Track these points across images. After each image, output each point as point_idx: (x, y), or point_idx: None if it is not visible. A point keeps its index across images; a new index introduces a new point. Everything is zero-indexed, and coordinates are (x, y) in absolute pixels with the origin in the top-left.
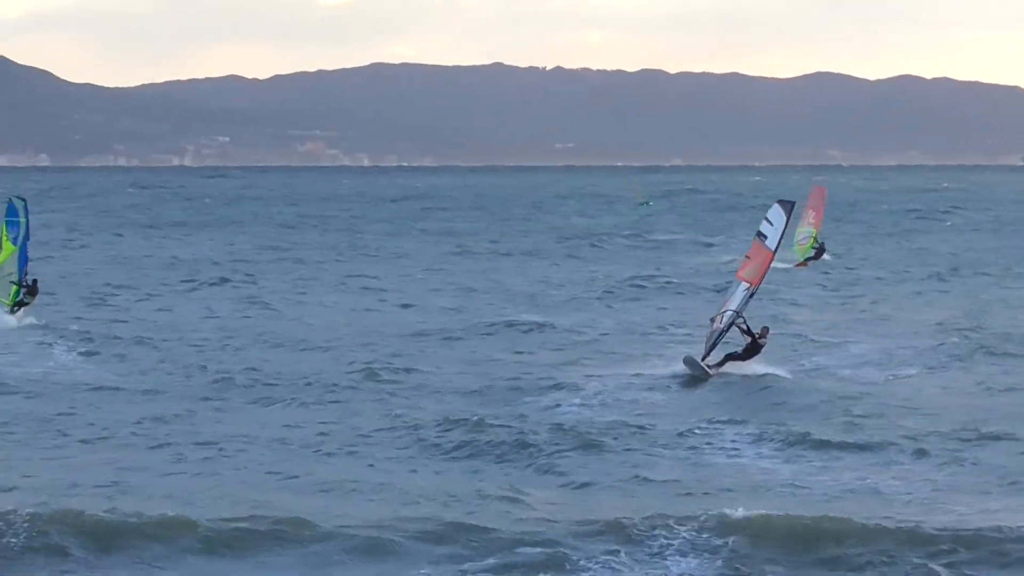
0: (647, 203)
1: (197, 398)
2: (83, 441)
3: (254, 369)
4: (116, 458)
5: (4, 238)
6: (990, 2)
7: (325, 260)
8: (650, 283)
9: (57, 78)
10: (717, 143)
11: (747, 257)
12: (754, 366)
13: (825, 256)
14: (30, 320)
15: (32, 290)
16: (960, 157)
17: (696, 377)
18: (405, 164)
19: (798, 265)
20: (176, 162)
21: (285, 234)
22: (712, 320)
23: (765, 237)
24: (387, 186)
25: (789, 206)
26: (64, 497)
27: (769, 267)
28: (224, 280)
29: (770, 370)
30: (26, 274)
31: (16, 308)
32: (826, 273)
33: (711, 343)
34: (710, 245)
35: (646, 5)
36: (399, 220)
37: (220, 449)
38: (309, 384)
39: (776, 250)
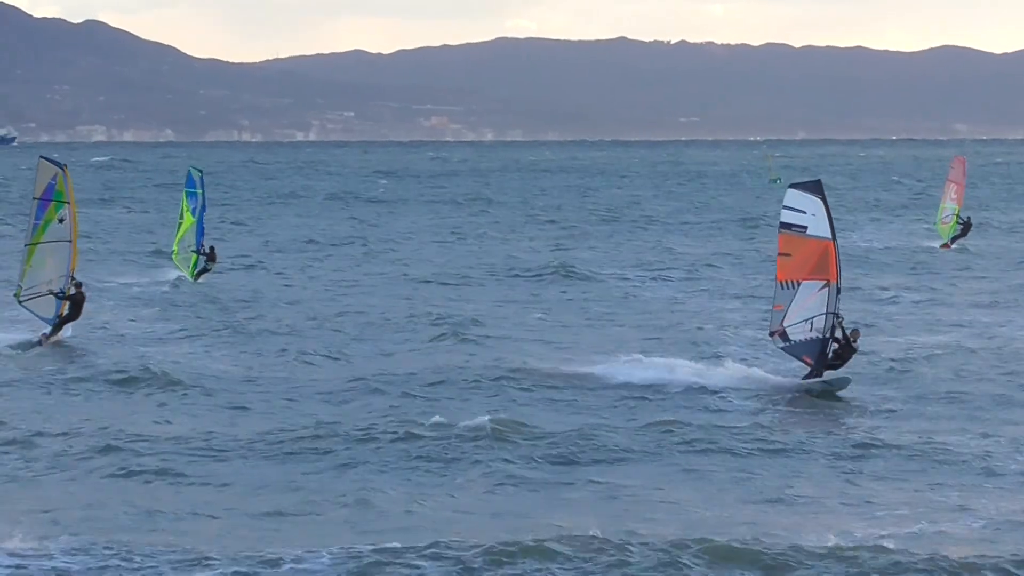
0: (778, 180)
1: None
2: None
3: None
4: None
5: (185, 209)
6: None
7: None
8: None
9: (182, 53)
10: (843, 116)
11: (783, 255)
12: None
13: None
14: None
15: (211, 256)
16: None
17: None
18: (529, 139)
19: (943, 246)
20: (300, 137)
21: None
22: (772, 334)
23: (802, 228)
24: (539, 160)
25: (815, 185)
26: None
27: (836, 255)
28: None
29: None
30: (202, 245)
31: (199, 276)
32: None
33: (818, 353)
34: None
35: None
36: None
37: None
38: None
39: (834, 235)
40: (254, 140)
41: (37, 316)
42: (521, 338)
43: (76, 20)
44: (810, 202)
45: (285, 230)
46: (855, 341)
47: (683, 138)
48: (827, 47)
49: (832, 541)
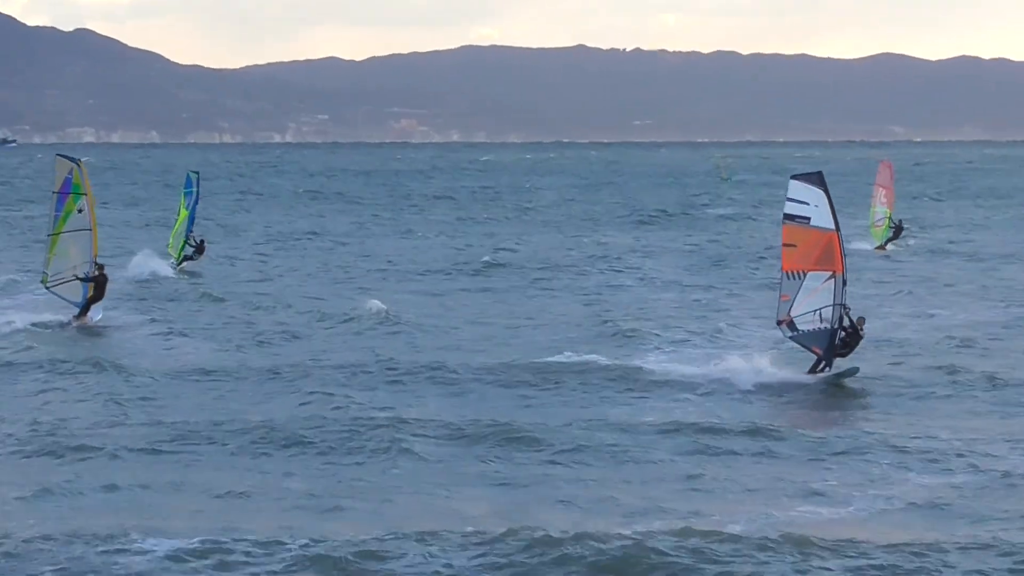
0: (729, 178)
1: None
2: None
3: None
4: None
5: (182, 205)
6: None
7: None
8: None
9: (166, 60)
10: (788, 120)
11: (788, 246)
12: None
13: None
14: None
15: (200, 248)
16: (1017, 134)
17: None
18: (492, 141)
19: (877, 248)
20: (278, 139)
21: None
22: (779, 323)
23: (807, 219)
24: (509, 160)
25: (816, 176)
26: None
27: (840, 246)
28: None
29: None
30: (192, 234)
31: (182, 262)
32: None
33: (827, 343)
34: None
35: None
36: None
37: None
38: None
39: (838, 226)
40: (234, 141)
41: (65, 300)
42: (445, 329)
43: (67, 28)
44: (813, 193)
45: (253, 226)
46: (861, 328)
47: (637, 140)
48: (773, 54)
49: (680, 525)
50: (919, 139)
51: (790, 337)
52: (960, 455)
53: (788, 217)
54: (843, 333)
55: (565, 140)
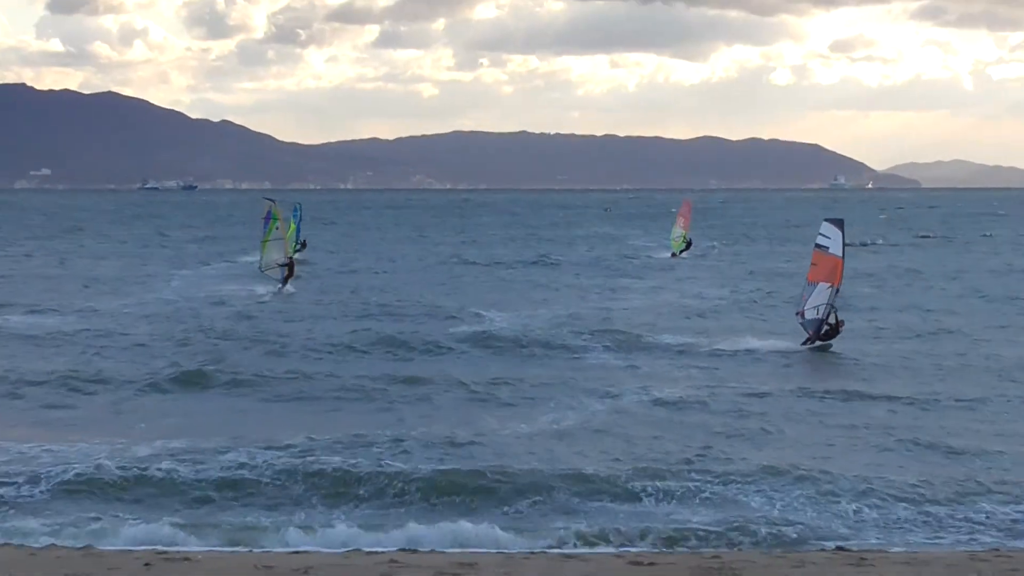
0: (608, 209)
1: None
2: None
3: None
4: None
5: (291, 223)
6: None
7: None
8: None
9: (274, 138)
10: (646, 175)
11: (814, 264)
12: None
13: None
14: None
15: (303, 245)
16: (785, 183)
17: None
18: (470, 187)
19: (672, 255)
20: (342, 187)
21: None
22: (798, 314)
23: (826, 248)
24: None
25: (839, 222)
26: None
27: (842, 270)
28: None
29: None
30: (299, 240)
31: (295, 252)
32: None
33: (816, 329)
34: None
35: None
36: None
37: None
38: None
39: (844, 255)
40: (315, 187)
41: (272, 278)
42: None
43: (216, 119)
44: (834, 232)
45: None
46: (841, 325)
47: (557, 187)
48: (638, 136)
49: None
50: (725, 187)
51: (800, 324)
52: None
53: (817, 246)
54: (826, 327)
55: (512, 187)
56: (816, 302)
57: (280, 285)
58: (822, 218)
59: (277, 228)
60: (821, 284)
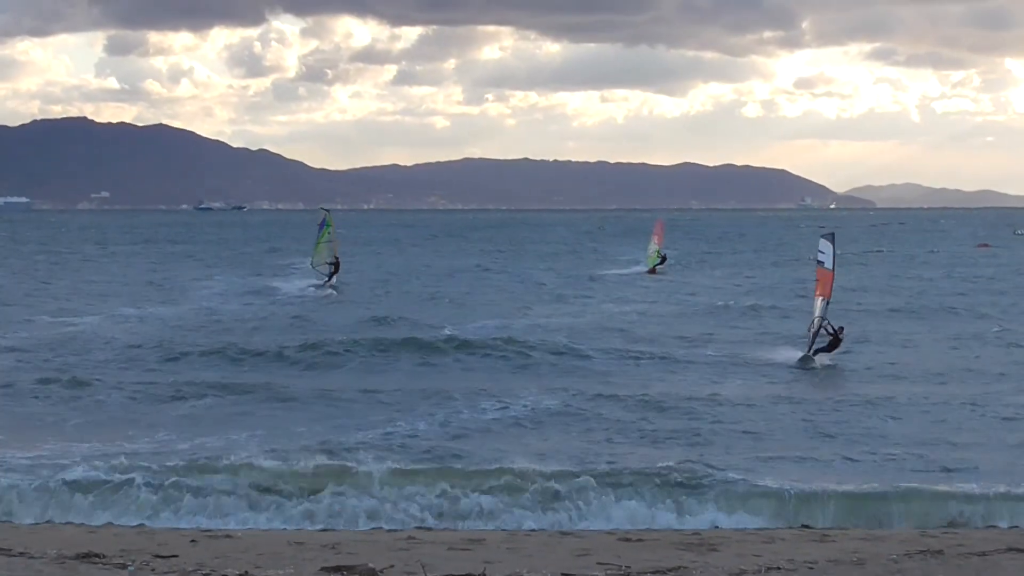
0: (603, 227)
1: None
2: None
3: None
4: None
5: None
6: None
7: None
8: None
9: (306, 164)
10: (633, 195)
11: (817, 280)
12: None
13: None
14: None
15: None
16: (760, 203)
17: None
18: (478, 207)
19: (648, 271)
20: (365, 207)
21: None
22: (809, 329)
23: (823, 263)
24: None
25: (831, 236)
26: None
27: (832, 282)
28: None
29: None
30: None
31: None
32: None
33: (812, 343)
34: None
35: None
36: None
37: None
38: None
39: (834, 268)
40: (342, 208)
41: (321, 273)
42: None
43: (254, 148)
44: (827, 247)
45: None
46: (841, 333)
47: (553, 207)
48: (618, 163)
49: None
50: (704, 207)
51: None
52: None
53: (817, 261)
54: (828, 337)
55: (517, 207)
56: (816, 313)
57: (326, 279)
58: (811, 234)
59: (329, 233)
60: (820, 297)
